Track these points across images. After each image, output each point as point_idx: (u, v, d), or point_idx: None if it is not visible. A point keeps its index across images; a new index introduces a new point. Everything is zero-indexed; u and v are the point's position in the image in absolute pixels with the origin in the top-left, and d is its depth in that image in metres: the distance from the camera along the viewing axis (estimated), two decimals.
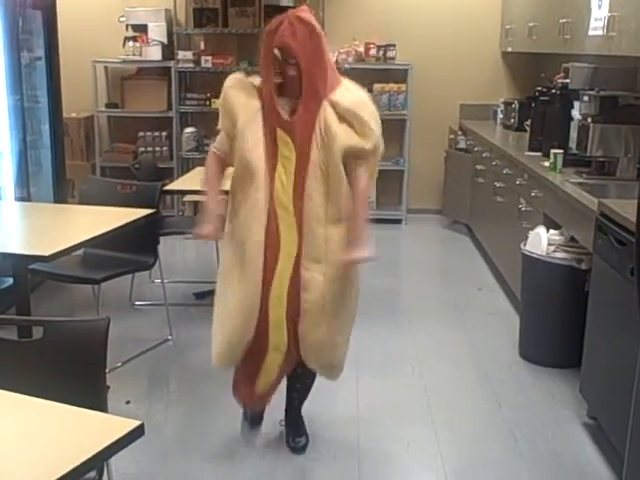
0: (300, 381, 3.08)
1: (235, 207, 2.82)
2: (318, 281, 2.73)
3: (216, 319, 2.89)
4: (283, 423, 3.20)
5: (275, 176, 2.71)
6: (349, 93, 2.73)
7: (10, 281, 3.42)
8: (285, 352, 2.81)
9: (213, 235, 2.79)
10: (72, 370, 1.94)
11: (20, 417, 1.64)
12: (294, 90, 2.67)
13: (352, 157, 2.70)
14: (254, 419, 3.09)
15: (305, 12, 2.66)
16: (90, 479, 1.95)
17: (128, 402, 3.40)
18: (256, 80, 2.77)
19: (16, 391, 1.71)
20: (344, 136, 2.65)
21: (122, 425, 1.55)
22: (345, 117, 2.66)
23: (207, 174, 2.93)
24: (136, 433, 1.54)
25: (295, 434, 3.14)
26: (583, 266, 3.64)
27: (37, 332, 2.08)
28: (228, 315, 2.81)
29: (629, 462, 2.46)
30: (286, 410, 3.18)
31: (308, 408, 3.22)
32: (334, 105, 2.66)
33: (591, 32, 4.09)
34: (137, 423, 1.54)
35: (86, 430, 1.58)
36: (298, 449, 3.11)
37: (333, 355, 2.88)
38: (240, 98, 2.73)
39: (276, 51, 2.63)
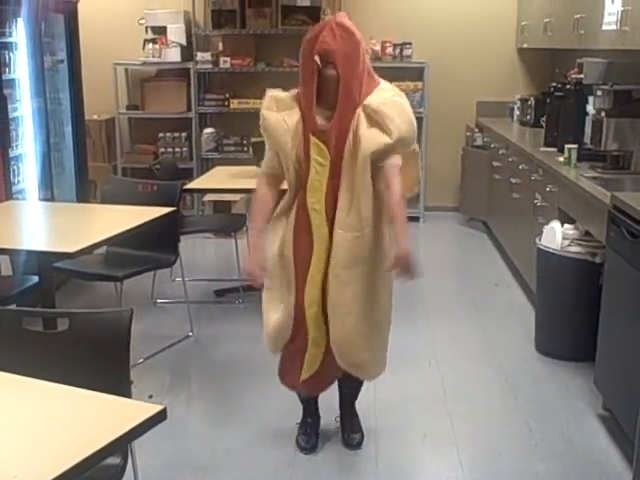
0: (348, 378, 3.08)
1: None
2: (333, 282, 2.81)
3: (264, 306, 3.00)
4: (338, 419, 3.25)
5: (308, 181, 2.78)
6: (381, 94, 2.75)
7: (35, 279, 3.51)
8: (325, 347, 2.90)
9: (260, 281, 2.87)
10: (97, 360, 2.02)
11: (46, 402, 1.72)
12: (331, 97, 2.70)
13: (381, 158, 2.72)
14: (309, 414, 3.20)
15: (344, 18, 2.71)
16: (115, 465, 2.02)
17: (151, 396, 3.47)
18: (292, 92, 2.82)
19: (43, 380, 1.79)
20: (370, 139, 2.67)
21: (145, 410, 1.62)
22: (374, 118, 2.68)
23: (255, 205, 2.96)
24: (158, 417, 1.61)
25: (350, 430, 3.19)
26: (597, 260, 3.67)
27: (62, 326, 2.16)
28: (272, 309, 2.93)
29: None
30: (340, 407, 3.24)
31: (324, 397, 3.29)
32: (365, 109, 2.69)
33: (605, 27, 4.12)
34: (160, 407, 1.62)
35: (110, 414, 1.65)
36: (353, 445, 3.15)
37: (357, 355, 2.92)
38: (279, 117, 2.76)
39: (316, 57, 2.65)
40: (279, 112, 2.78)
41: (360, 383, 3.17)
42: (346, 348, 2.89)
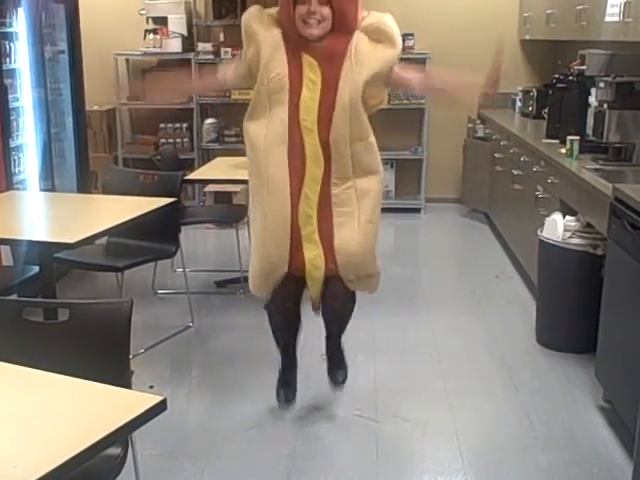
0: (335, 312, 3.18)
1: (257, 132, 2.98)
2: (350, 195, 2.94)
3: (252, 248, 3.11)
4: (324, 356, 3.36)
5: (301, 99, 2.86)
6: (374, 15, 2.98)
7: (36, 269, 3.50)
8: (323, 269, 2.97)
9: None
10: (97, 350, 2.02)
11: (47, 393, 1.72)
12: (316, 26, 2.85)
13: (388, 71, 2.94)
14: (288, 365, 3.30)
15: None
16: (115, 455, 2.03)
17: (151, 387, 3.47)
18: (272, 11, 2.93)
19: (44, 370, 1.78)
20: (378, 55, 2.89)
21: (145, 400, 1.62)
22: (377, 36, 2.90)
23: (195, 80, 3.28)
24: (158, 408, 1.61)
25: (335, 366, 3.32)
26: (599, 252, 3.66)
27: (62, 316, 2.16)
28: (262, 242, 3.00)
29: None
30: (326, 343, 3.33)
31: (325, 389, 3.29)
32: (366, 30, 2.90)
33: (607, 18, 4.10)
34: (159, 398, 1.61)
35: (110, 405, 1.65)
36: (338, 382, 3.31)
37: (371, 264, 3.05)
38: (260, 29, 2.89)
39: None
40: (264, 25, 2.91)
41: (347, 316, 3.22)
42: (362, 257, 2.99)
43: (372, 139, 3.00)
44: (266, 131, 2.94)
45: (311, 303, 3.13)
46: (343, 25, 2.87)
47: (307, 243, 2.95)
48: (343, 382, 3.31)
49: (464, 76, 3.13)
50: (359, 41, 2.89)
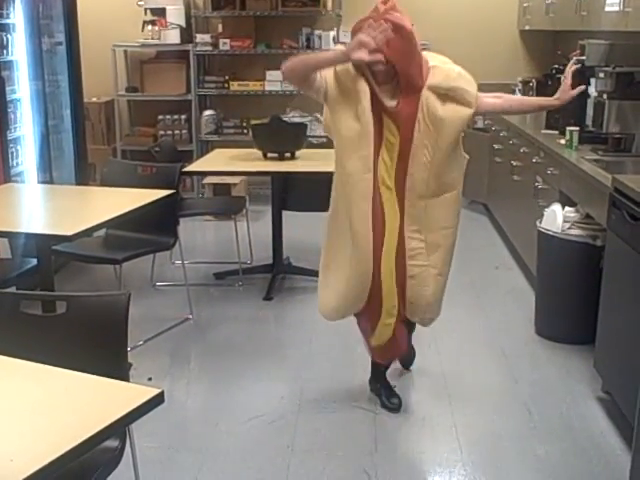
0: None
1: (341, 184, 3.06)
2: (421, 248, 3.05)
3: (328, 283, 3.19)
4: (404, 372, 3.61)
5: (379, 158, 2.97)
6: (439, 71, 2.93)
7: (34, 262, 3.50)
8: (395, 319, 3.11)
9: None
10: (95, 343, 2.02)
11: (44, 385, 1.72)
12: (389, 77, 2.88)
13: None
14: (378, 378, 3.41)
15: (393, 13, 2.82)
16: (113, 448, 2.02)
17: (150, 379, 3.47)
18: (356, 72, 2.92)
19: (41, 363, 1.78)
20: (453, 118, 2.92)
21: (142, 393, 1.61)
22: (449, 95, 2.90)
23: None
24: (156, 401, 1.61)
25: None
26: (598, 243, 3.65)
27: (60, 309, 2.16)
28: (344, 281, 3.08)
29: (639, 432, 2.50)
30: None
31: (324, 382, 3.28)
32: (435, 90, 2.89)
33: (607, 8, 4.08)
34: (157, 391, 1.61)
35: (108, 398, 1.65)
36: (407, 366, 3.60)
37: (437, 311, 3.23)
38: (363, 85, 2.89)
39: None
40: (362, 82, 2.90)
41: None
42: (432, 306, 3.17)
43: (453, 193, 3.12)
44: (351, 185, 3.00)
45: (376, 349, 3.23)
46: (410, 85, 2.88)
47: (387, 295, 3.06)
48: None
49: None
50: (429, 101, 2.89)
